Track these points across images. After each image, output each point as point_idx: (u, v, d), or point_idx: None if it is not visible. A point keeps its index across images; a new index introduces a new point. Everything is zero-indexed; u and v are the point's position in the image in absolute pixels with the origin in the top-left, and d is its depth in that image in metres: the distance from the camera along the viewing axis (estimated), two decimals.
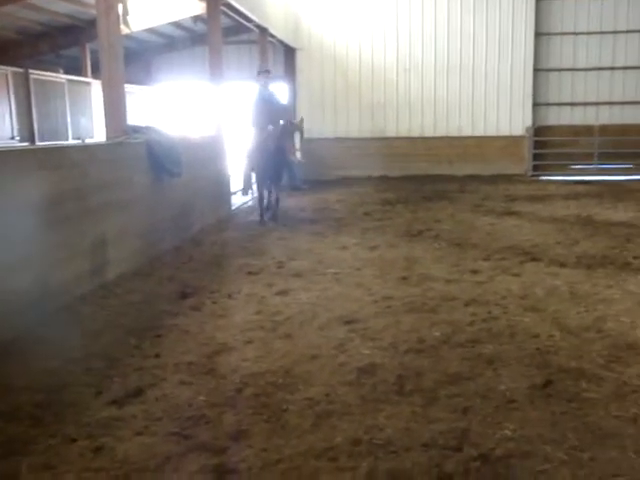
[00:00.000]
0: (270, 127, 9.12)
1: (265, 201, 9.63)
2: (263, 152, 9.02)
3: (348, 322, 4.89)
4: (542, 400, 3.55)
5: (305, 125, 15.52)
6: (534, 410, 3.44)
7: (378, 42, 15.91)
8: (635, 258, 6.84)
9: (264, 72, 9.80)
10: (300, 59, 16.11)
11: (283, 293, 5.74)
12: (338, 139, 15.80)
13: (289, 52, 15.97)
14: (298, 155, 9.12)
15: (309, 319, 5.01)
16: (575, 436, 3.17)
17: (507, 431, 3.23)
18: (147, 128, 7.26)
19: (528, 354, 4.20)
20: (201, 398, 3.62)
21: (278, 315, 5.12)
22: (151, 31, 14.35)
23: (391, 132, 15.95)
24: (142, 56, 16.44)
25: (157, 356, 4.26)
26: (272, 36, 13.40)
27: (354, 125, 16.01)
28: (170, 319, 5.04)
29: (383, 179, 15.10)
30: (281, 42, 14.87)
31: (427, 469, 2.91)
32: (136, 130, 6.95)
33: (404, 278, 6.17)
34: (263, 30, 12.59)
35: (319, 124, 15.75)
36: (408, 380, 3.81)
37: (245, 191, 10.41)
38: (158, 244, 7.17)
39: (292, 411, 3.45)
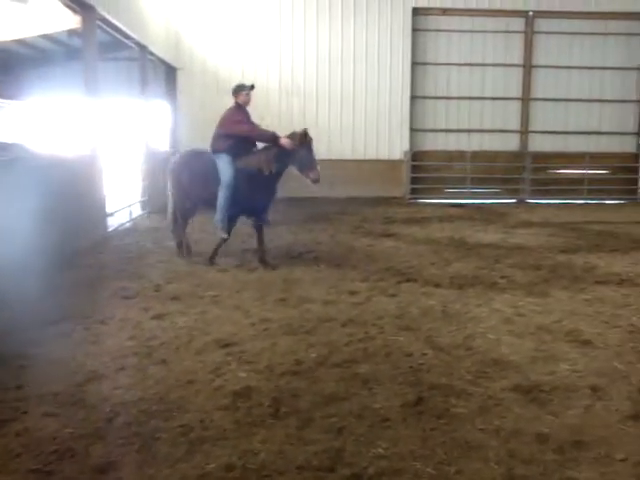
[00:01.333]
0: (286, 141, 7.66)
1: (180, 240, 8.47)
2: (250, 179, 7.69)
3: (225, 345, 4.82)
4: (414, 417, 3.65)
5: (187, 147, 15.52)
6: (406, 428, 3.52)
7: (261, 65, 16.03)
8: (502, 278, 7.21)
9: (249, 88, 8.02)
10: (181, 79, 15.93)
11: (159, 317, 5.57)
12: None
13: (170, 71, 15.75)
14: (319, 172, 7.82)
15: (185, 343, 4.90)
16: (443, 451, 3.27)
17: (380, 449, 3.28)
18: (14, 145, 6.91)
19: (402, 372, 4.31)
20: (67, 430, 3.43)
21: (153, 340, 4.97)
22: (21, 43, 13.72)
23: None
24: (12, 69, 15.67)
25: (19, 388, 4.00)
26: (152, 54, 13.17)
27: None
28: (36, 348, 4.76)
29: None
30: (162, 61, 14.64)
31: None
32: (2, 147, 6.59)
33: (282, 300, 6.17)
34: (143, 48, 12.35)
35: (201, 146, 15.53)
36: (283, 402, 3.80)
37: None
38: (22, 268, 6.77)
39: (165, 439, 3.34)
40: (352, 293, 6.47)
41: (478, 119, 16.83)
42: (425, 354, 4.68)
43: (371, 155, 16.45)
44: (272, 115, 15.92)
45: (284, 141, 7.64)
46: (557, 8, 16.56)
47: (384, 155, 16.51)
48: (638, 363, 4.56)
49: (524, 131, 17.08)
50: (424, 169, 16.69)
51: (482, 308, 5.96)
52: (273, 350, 4.74)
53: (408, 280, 7.05)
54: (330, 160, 16.19)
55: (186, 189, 8.14)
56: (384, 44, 16.27)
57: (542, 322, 5.51)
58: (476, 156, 16.61)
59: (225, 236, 7.86)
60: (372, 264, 7.90)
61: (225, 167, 7.75)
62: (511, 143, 17.10)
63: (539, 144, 17.09)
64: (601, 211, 14.83)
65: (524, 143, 17.10)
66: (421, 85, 16.75)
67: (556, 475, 3.08)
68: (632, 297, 6.44)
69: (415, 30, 16.41)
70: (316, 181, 7.78)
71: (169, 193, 8.51)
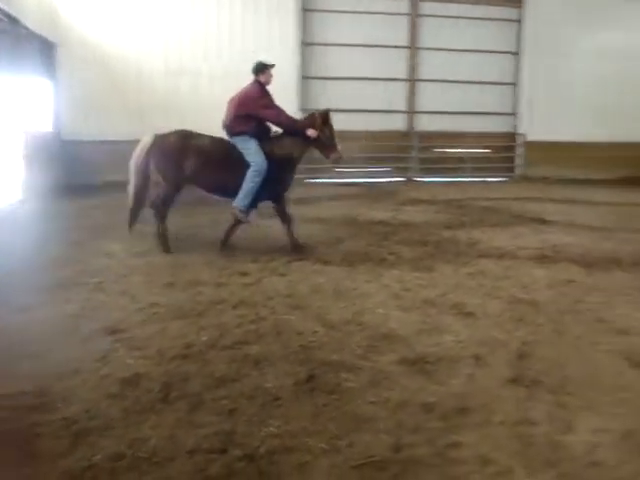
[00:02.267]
0: (311, 131, 7.55)
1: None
2: (277, 164, 7.46)
3: (113, 332, 4.67)
4: (306, 394, 3.69)
5: (69, 128, 14.77)
6: (298, 405, 3.56)
7: (145, 44, 15.48)
8: (390, 254, 7.40)
9: (271, 66, 7.90)
10: (61, 55, 15.13)
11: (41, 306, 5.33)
12: (104, 142, 15.04)
13: (48, 47, 14.91)
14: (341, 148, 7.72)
15: (71, 331, 4.71)
16: (335, 426, 3.33)
17: (272, 428, 3.29)
18: None
19: (293, 351, 4.34)
20: None
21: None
22: None
23: None
24: None
25: None
26: (26, 28, 12.41)
27: (122, 128, 15.40)
28: None
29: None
30: (37, 35, 13.82)
31: (191, 476, 2.87)
32: None
33: (171, 284, 6.05)
34: (14, 20, 11.59)
35: (83, 126, 14.93)
36: (174, 387, 3.74)
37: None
38: None
39: (45, 434, 3.20)
40: (243, 274, 6.43)
41: (367, 99, 17.06)
42: (316, 332, 4.73)
43: None
44: (158, 96, 15.50)
45: (310, 132, 7.54)
46: None
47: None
48: (516, 331, 4.82)
49: (411, 111, 17.52)
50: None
51: (371, 284, 6.10)
52: (163, 334, 4.65)
53: (299, 259, 7.10)
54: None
55: (186, 173, 7.43)
56: (273, 24, 16.15)
57: (428, 296, 5.70)
58: (365, 136, 16.86)
59: (249, 221, 7.68)
60: (263, 244, 7.88)
61: (255, 151, 7.42)
62: (399, 123, 17.51)
63: (426, 124, 17.59)
64: (484, 188, 15.50)
65: (411, 123, 17.57)
66: (311, 65, 16.80)
67: (441, 441, 3.21)
68: (512, 269, 6.79)
69: (305, 10, 16.40)
70: (337, 161, 7.80)
71: (140, 176, 7.57)
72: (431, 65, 17.48)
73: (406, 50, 17.21)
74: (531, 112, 18.10)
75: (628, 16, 18.43)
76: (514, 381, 3.92)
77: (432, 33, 17.36)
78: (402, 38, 17.21)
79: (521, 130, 18.20)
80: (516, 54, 18.08)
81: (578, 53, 18.22)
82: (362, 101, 16.97)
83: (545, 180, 17.23)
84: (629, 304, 5.60)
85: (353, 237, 8.49)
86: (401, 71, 17.33)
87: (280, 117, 7.61)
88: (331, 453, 3.07)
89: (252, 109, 7.48)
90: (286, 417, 3.42)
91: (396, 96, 17.37)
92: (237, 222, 7.63)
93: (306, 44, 16.56)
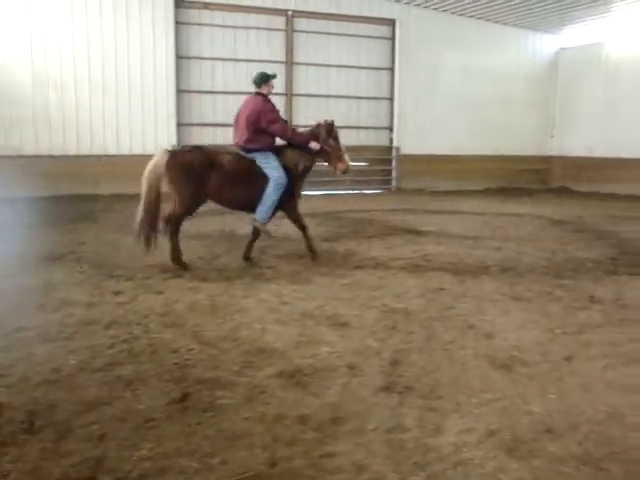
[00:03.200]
0: (315, 144, 7.79)
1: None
2: (291, 177, 7.71)
3: None
4: (179, 414, 3.62)
5: None
6: (171, 425, 3.48)
7: (10, 54, 14.74)
8: (268, 268, 7.43)
9: (272, 77, 7.90)
10: None
11: None
12: None
13: None
14: (349, 160, 8.03)
15: None
16: (209, 444, 3.29)
17: (144, 451, 3.21)
18: None
19: (167, 370, 4.25)
20: None
21: None
22: None
23: (29, 150, 14.90)
24: None
25: None
26: None
27: None
28: None
29: (26, 200, 13.99)
30: None
31: None
32: None
33: (41, 305, 5.76)
34: None
35: None
36: (39, 415, 3.55)
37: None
38: None
39: None
40: (117, 293, 6.24)
41: None
42: (191, 349, 4.66)
43: (137, 150, 15.94)
44: (25, 107, 14.79)
45: (313, 145, 7.73)
46: (312, 9, 17.43)
47: (151, 150, 16.07)
48: (389, 339, 4.97)
49: (289, 126, 17.66)
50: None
51: (249, 299, 6.09)
52: (28, 360, 4.41)
53: (175, 276, 6.97)
54: (94, 155, 15.49)
55: (207, 190, 7.38)
56: (147, 36, 15.80)
57: (305, 308, 5.77)
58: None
59: (269, 232, 7.92)
60: (139, 262, 7.67)
61: (276, 165, 7.60)
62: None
63: None
64: (361, 200, 15.91)
65: None
66: (186, 79, 16.59)
67: (316, 452, 3.24)
68: (386, 279, 7.00)
69: (178, 23, 16.20)
70: (345, 172, 8.01)
71: (153, 192, 7.23)
72: (307, 80, 17.78)
73: (282, 65, 17.37)
74: (405, 126, 18.82)
75: (491, 38, 19.67)
76: (387, 388, 4.03)
77: (307, 48, 17.66)
78: (278, 53, 17.38)
79: (396, 143, 18.85)
80: (390, 70, 18.71)
81: (446, 71, 19.24)
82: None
83: (420, 192, 17.95)
84: (496, 309, 5.92)
85: (231, 252, 8.44)
86: (278, 86, 17.43)
87: (286, 132, 7.79)
88: (204, 472, 3.03)
89: (264, 124, 7.58)
90: (159, 438, 3.34)
91: None
92: (256, 235, 7.90)
93: (181, 57, 16.36)
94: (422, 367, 4.42)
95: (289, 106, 17.56)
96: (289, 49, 17.44)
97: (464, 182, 19.05)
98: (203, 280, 6.81)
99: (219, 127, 16.68)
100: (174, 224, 7.39)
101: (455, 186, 18.78)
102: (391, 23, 18.48)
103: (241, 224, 10.99)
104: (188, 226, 10.39)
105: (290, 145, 7.85)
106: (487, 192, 18.57)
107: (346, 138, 17.91)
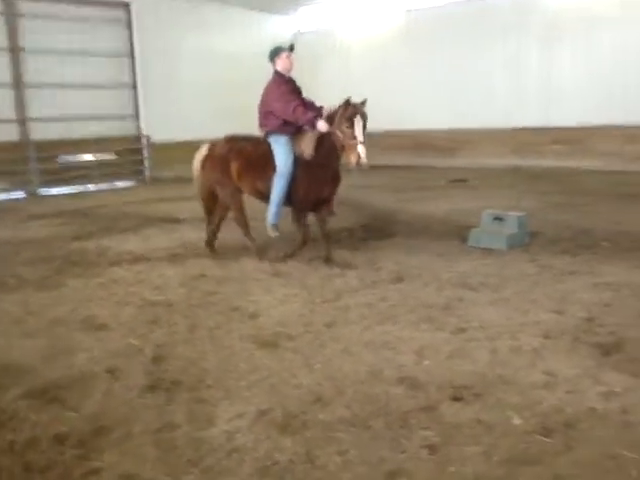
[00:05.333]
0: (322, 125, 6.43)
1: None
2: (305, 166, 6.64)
3: None
4: None
5: None
6: None
7: None
8: (12, 277, 6.69)
9: (288, 49, 6.87)
10: None
11: None
12: None
13: None
14: (363, 153, 6.22)
15: None
16: None
17: None
18: None
19: None
20: None
21: None
22: None
23: None
24: None
25: None
26: None
27: None
28: None
29: None
30: None
31: None
32: None
33: None
34: None
35: None
36: None
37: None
38: None
39: None
40: None
41: None
42: None
43: None
44: None
45: (320, 125, 6.43)
46: None
47: None
48: (150, 335, 4.74)
49: (23, 119, 16.16)
50: None
51: None
52: None
53: None
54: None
55: (234, 178, 7.00)
56: None
57: (56, 315, 5.28)
58: None
59: (276, 235, 6.94)
60: None
61: (282, 151, 6.67)
62: (10, 133, 15.97)
63: (42, 132, 16.35)
64: (113, 194, 15.14)
65: (25, 132, 16.21)
66: None
67: (77, 472, 2.95)
68: (144, 273, 6.69)
69: None
70: (360, 166, 6.26)
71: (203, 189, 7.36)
72: (40, 69, 16.26)
73: (6, 53, 15.73)
74: (152, 114, 18.20)
75: (232, 22, 19.81)
76: (152, 387, 3.82)
77: (37, 34, 16.11)
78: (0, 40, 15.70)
79: (145, 132, 18.21)
80: (130, 56, 17.95)
81: (189, 55, 18.97)
82: None
83: (175, 180, 17.53)
84: (260, 288, 5.95)
85: None
86: (4, 75, 15.81)
87: (286, 110, 6.63)
88: None
89: (266, 104, 6.83)
90: None
91: (2, 104, 15.79)
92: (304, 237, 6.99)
93: None
94: (188, 358, 4.26)
95: (20, 98, 15.98)
96: (13, 35, 15.80)
97: None
98: None
99: None
100: (237, 218, 7.33)
101: None
102: (125, 6, 17.69)
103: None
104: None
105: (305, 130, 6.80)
106: None
107: (89, 129, 17.18)
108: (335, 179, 6.84)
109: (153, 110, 18.24)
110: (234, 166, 6.95)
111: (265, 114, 6.88)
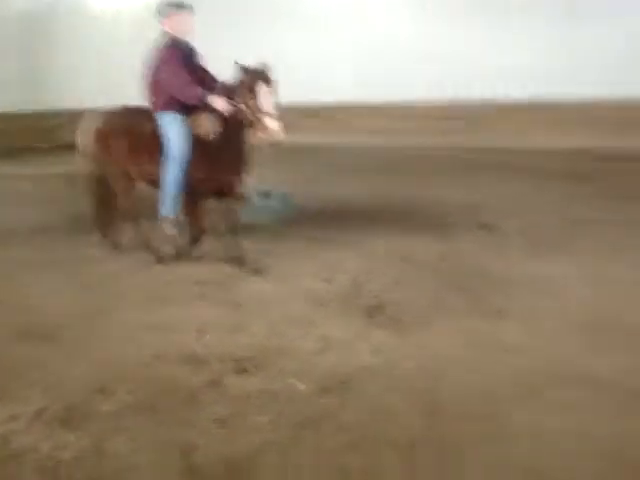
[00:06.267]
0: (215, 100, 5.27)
1: None
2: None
3: None
4: None
5: None
6: None
7: None
8: None
9: (187, 7, 5.46)
10: None
11: None
12: None
13: None
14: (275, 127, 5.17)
15: None
16: None
17: None
18: None
19: None
20: None
21: None
22: None
23: None
24: None
25: None
26: None
27: None
28: None
29: None
30: None
31: None
32: None
33: None
34: None
35: None
36: None
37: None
38: None
39: None
40: None
41: None
42: None
43: None
44: None
45: (218, 103, 5.27)
46: None
47: None
48: None
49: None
50: None
51: None
52: None
53: None
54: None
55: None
56: None
57: None
58: None
59: (172, 232, 5.62)
60: None
61: (172, 133, 5.42)
62: None
63: None
64: None
65: None
66: None
67: None
68: None
69: None
70: (272, 144, 5.25)
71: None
72: None
73: None
74: None
75: None
76: None
77: None
78: None
79: None
80: None
81: None
82: None
83: None
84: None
85: None
86: None
87: (170, 84, 5.38)
88: None
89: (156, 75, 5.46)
90: None
91: None
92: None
93: None
94: None
95: None
96: None
97: None
98: None
99: None
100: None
101: None
102: None
103: None
104: None
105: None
106: None
107: None
108: (240, 161, 5.64)
109: None
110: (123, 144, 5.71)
111: (153, 87, 5.61)
